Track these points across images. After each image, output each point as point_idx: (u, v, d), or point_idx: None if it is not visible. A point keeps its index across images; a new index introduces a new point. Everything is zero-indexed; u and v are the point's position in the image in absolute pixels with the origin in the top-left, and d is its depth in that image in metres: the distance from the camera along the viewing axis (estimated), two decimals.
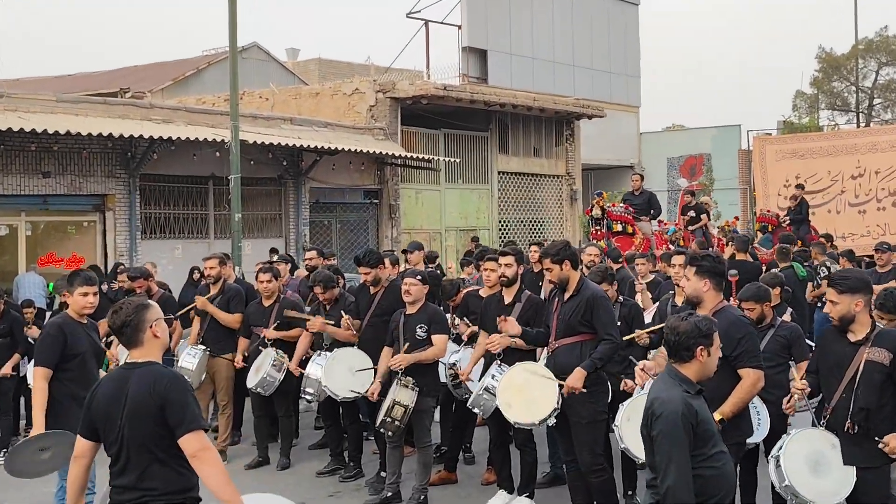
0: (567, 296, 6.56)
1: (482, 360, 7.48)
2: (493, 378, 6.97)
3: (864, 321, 5.27)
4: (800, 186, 19.02)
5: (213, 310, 8.92)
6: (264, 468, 8.73)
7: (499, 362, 7.04)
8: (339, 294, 8.45)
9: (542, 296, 7.90)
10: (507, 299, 7.24)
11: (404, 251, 11.87)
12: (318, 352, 8.20)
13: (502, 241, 21.70)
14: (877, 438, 5.14)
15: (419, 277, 7.45)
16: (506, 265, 7.17)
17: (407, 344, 7.34)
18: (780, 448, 5.43)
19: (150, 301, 4.06)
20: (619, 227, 15.08)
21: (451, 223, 21.97)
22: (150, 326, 3.94)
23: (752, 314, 7.04)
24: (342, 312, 8.10)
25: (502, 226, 23.08)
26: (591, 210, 15.50)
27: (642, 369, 5.92)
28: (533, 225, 23.95)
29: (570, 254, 6.49)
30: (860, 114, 39.89)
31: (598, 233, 14.60)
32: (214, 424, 9.34)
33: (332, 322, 8.15)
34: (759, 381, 5.28)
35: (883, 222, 21.65)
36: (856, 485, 5.22)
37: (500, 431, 7.36)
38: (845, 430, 5.24)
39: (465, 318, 8.29)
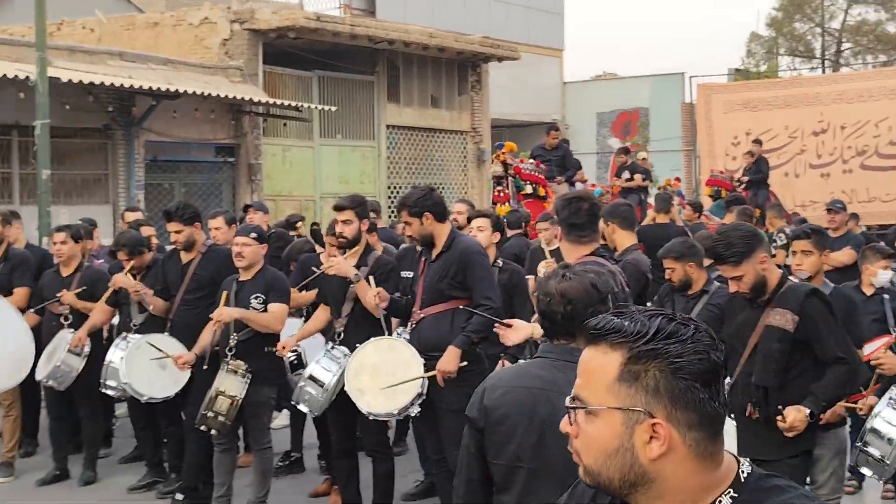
0: (435, 254, 6.47)
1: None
2: (319, 364, 6.81)
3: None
4: (757, 142, 19.29)
5: None
6: (63, 483, 8.46)
7: (331, 345, 6.91)
8: (152, 260, 8.16)
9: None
10: (350, 262, 7.07)
11: (246, 206, 11.53)
12: (124, 334, 7.92)
13: (392, 212, 21.53)
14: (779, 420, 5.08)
15: (254, 235, 7.23)
16: (343, 221, 6.96)
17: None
18: None
19: None
20: (529, 189, 15.00)
21: (328, 188, 21.69)
22: None
23: (672, 276, 7.01)
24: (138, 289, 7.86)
25: (392, 192, 22.92)
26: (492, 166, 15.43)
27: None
28: None
29: (431, 203, 6.38)
30: (826, 61, 40.95)
31: (502, 194, 14.49)
32: None
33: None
34: None
35: (849, 188, 22.15)
36: None
37: (343, 435, 7.18)
38: (746, 414, 5.19)
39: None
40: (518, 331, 5.26)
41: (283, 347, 7.18)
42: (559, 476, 3.44)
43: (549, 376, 3.50)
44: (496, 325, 5.19)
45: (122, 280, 7.87)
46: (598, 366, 1.89)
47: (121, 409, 10.00)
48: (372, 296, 6.51)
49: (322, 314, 7.27)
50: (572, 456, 3.48)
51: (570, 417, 1.93)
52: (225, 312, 7.00)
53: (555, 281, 3.58)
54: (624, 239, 7.13)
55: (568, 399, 1.92)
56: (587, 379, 1.91)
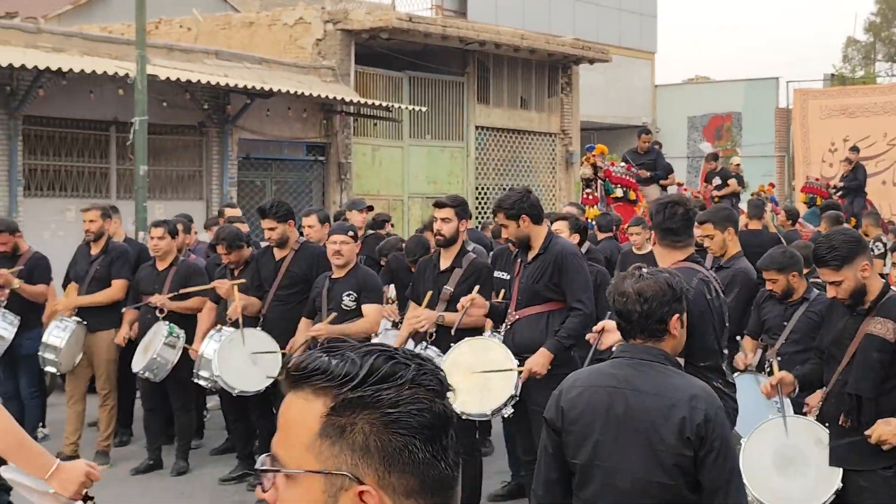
0: (531, 256, 6.48)
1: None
2: None
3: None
4: (854, 149, 18.93)
5: (82, 301, 8.84)
6: (155, 473, 8.64)
7: (425, 344, 6.95)
8: (250, 256, 8.31)
9: None
10: (444, 264, 7.10)
11: (370, 207, 11.68)
12: (219, 327, 8.05)
13: (478, 213, 21.55)
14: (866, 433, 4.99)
15: (350, 233, 7.32)
16: (442, 219, 7.00)
17: (333, 314, 7.21)
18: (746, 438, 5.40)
19: None
20: (619, 192, 14.92)
21: (416, 188, 21.79)
22: None
23: (774, 287, 6.94)
24: (230, 283, 7.99)
25: (480, 193, 22.93)
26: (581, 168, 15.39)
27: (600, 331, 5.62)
28: None
29: (528, 206, 6.40)
30: None
31: (591, 197, 14.44)
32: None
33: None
34: None
35: None
36: (848, 493, 5.09)
37: None
38: (839, 422, 5.11)
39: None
40: (612, 333, 5.26)
41: None
42: (636, 473, 3.49)
43: (624, 375, 3.64)
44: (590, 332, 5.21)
45: (227, 289, 8.00)
46: (298, 417, 1.53)
47: (212, 402, 10.19)
48: (459, 307, 6.50)
49: (412, 314, 7.30)
50: (650, 454, 3.52)
51: (265, 482, 1.56)
52: (323, 330, 7.07)
53: (630, 281, 3.70)
54: (735, 245, 7.12)
55: (262, 458, 1.58)
56: (285, 433, 1.54)
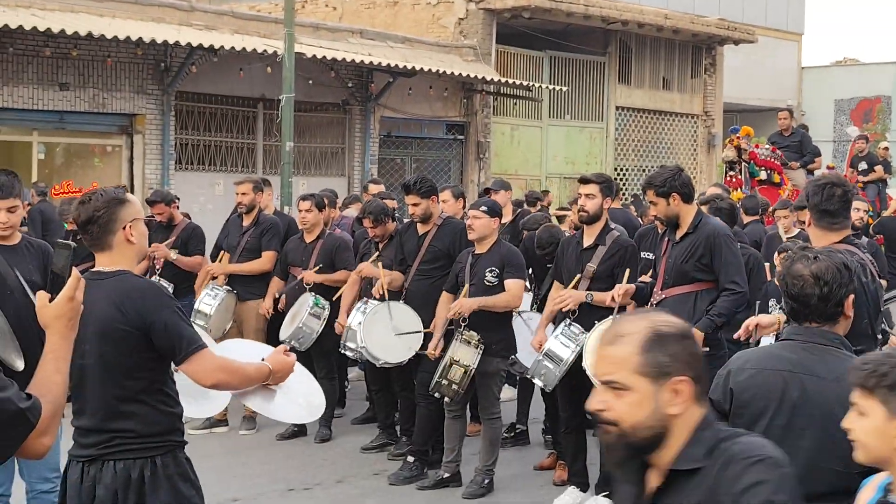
0: (679, 235, 6.39)
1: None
2: (557, 340, 6.85)
3: None
4: None
5: (234, 268, 9.12)
6: (299, 440, 8.85)
7: (569, 321, 6.91)
8: (394, 230, 8.41)
9: None
10: (588, 241, 7.07)
11: (486, 189, 11.73)
12: (365, 299, 8.18)
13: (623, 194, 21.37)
14: None
15: (484, 209, 7.34)
16: (587, 195, 6.98)
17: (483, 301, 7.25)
18: None
19: (128, 195, 3.97)
20: (763, 175, 14.59)
21: (554, 168, 21.72)
22: (125, 227, 3.85)
23: None
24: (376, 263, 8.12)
25: (619, 174, 22.73)
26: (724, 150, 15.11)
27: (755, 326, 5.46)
28: None
29: (679, 184, 6.30)
30: None
31: (734, 179, 14.15)
32: None
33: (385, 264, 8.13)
34: None
35: None
36: None
37: (574, 411, 7.17)
38: None
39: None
40: (766, 329, 5.13)
41: (540, 344, 7.16)
42: (809, 460, 3.39)
43: (799, 359, 3.49)
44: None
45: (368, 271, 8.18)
46: None
47: (353, 373, 10.37)
48: (612, 297, 6.49)
49: (555, 294, 7.28)
50: (826, 440, 3.41)
51: None
52: (465, 305, 7.14)
53: (804, 264, 3.53)
54: None
55: None
56: None
